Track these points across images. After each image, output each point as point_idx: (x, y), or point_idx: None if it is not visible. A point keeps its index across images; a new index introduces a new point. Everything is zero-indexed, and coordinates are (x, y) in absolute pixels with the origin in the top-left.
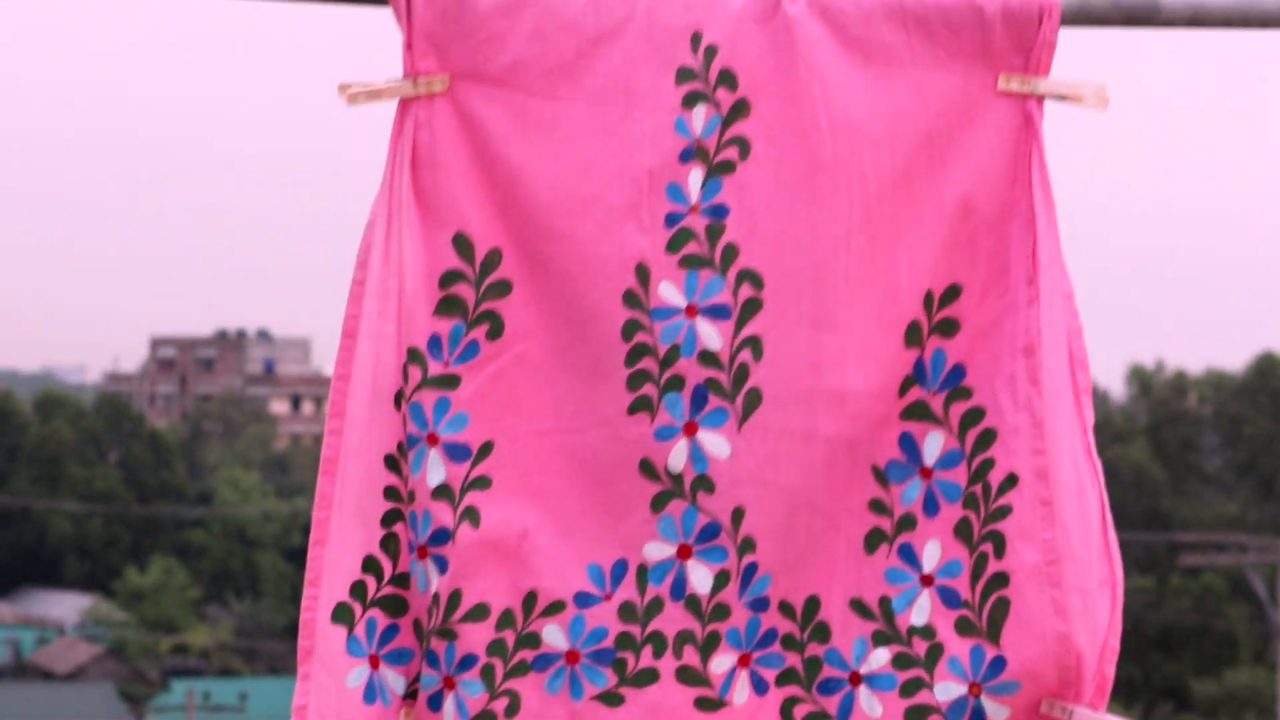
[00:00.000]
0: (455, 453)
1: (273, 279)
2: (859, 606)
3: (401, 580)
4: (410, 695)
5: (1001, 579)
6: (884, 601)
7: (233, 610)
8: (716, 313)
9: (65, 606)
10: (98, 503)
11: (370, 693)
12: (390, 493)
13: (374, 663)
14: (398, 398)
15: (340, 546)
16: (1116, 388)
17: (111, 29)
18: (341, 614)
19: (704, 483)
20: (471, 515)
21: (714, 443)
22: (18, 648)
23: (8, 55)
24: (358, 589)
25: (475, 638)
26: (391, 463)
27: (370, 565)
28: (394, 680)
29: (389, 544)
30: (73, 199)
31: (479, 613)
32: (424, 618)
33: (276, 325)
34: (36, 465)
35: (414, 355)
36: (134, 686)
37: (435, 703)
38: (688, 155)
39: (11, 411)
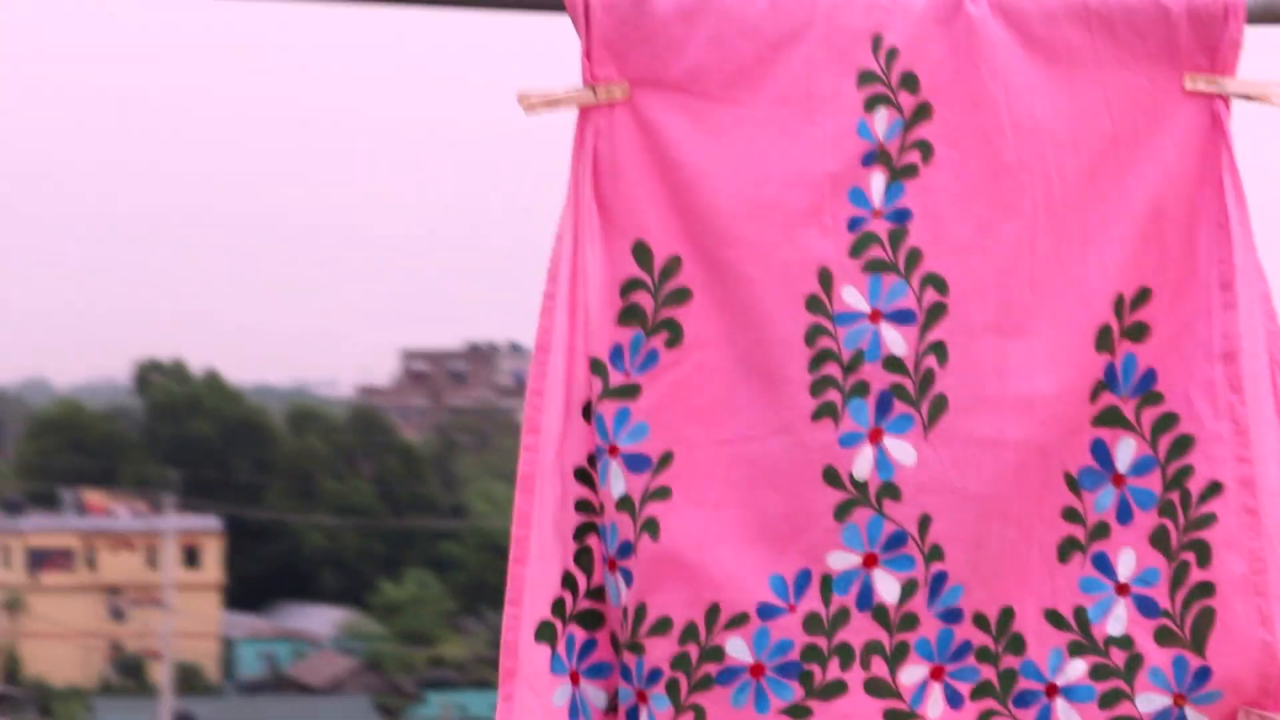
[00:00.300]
0: (635, 464)
1: (522, 291)
2: (1054, 617)
3: (597, 594)
4: (611, 709)
5: (1206, 588)
6: (1079, 611)
7: (487, 622)
8: (901, 318)
9: (321, 620)
10: (352, 516)
11: (574, 710)
12: (582, 505)
13: (575, 679)
14: (586, 410)
15: (540, 564)
16: None
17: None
18: (545, 632)
19: (890, 490)
20: (651, 527)
21: (900, 449)
22: (275, 661)
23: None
24: (558, 606)
25: (660, 652)
26: (583, 475)
27: (568, 580)
28: (595, 695)
29: (583, 558)
30: (326, 220)
31: (662, 626)
32: (618, 630)
33: (526, 337)
34: (291, 479)
35: (596, 366)
36: (390, 699)
37: (633, 716)
38: (870, 159)
39: (265, 426)
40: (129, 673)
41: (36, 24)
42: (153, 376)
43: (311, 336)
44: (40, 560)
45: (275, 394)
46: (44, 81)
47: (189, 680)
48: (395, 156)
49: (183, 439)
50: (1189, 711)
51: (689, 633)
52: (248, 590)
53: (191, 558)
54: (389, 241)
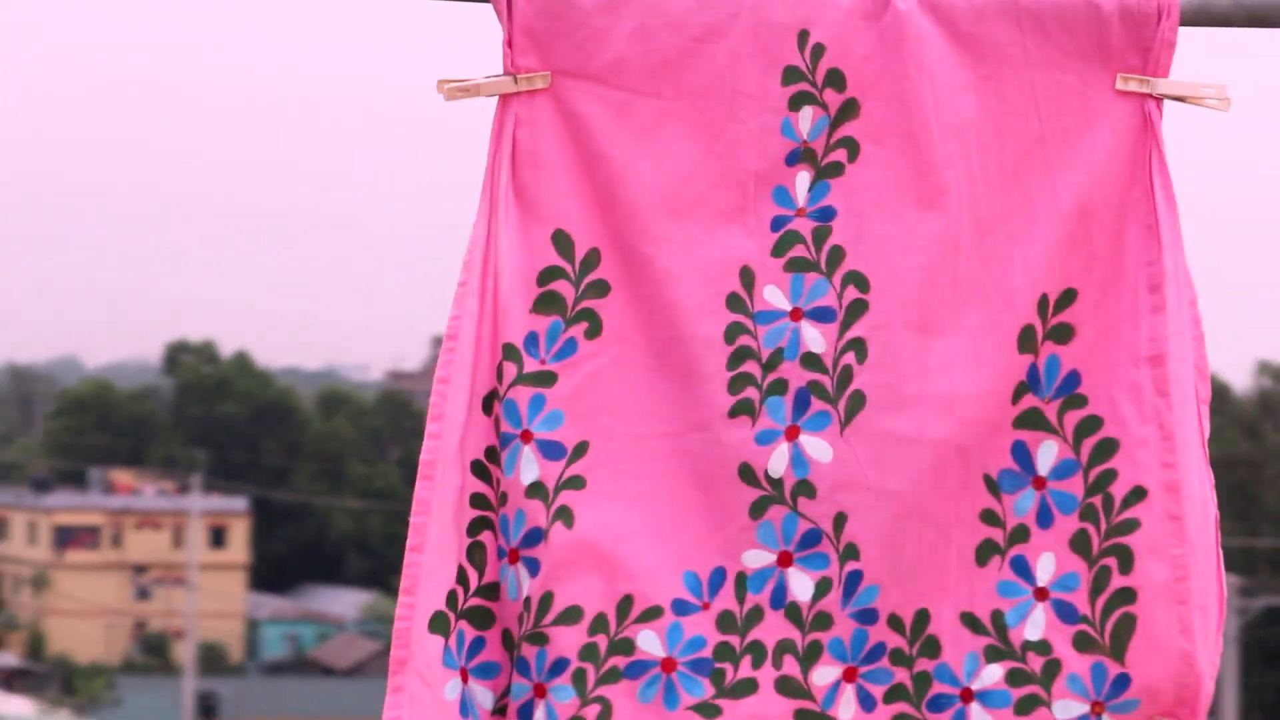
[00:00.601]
0: (550, 450)
1: None
2: (970, 621)
3: (488, 591)
4: (499, 710)
5: (1128, 594)
6: (996, 615)
7: None
8: (821, 315)
9: (345, 602)
10: (378, 500)
11: (464, 706)
12: (477, 500)
13: (464, 676)
14: (487, 402)
15: (437, 554)
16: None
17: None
18: (438, 624)
19: (805, 488)
20: (565, 515)
21: (816, 446)
22: (299, 643)
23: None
24: (451, 598)
25: (567, 641)
26: (479, 469)
27: (460, 575)
28: (482, 695)
29: (474, 553)
30: (359, 209)
31: (571, 615)
32: (514, 626)
33: None
34: (318, 462)
35: (510, 351)
36: None
37: (526, 714)
38: (795, 158)
39: (294, 408)
40: (153, 651)
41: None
42: (183, 357)
43: (343, 321)
44: (66, 538)
45: (305, 377)
46: (81, 62)
47: (212, 659)
48: (429, 147)
49: (211, 420)
50: (1106, 719)
51: (599, 623)
52: (273, 571)
53: (217, 538)
54: (422, 230)
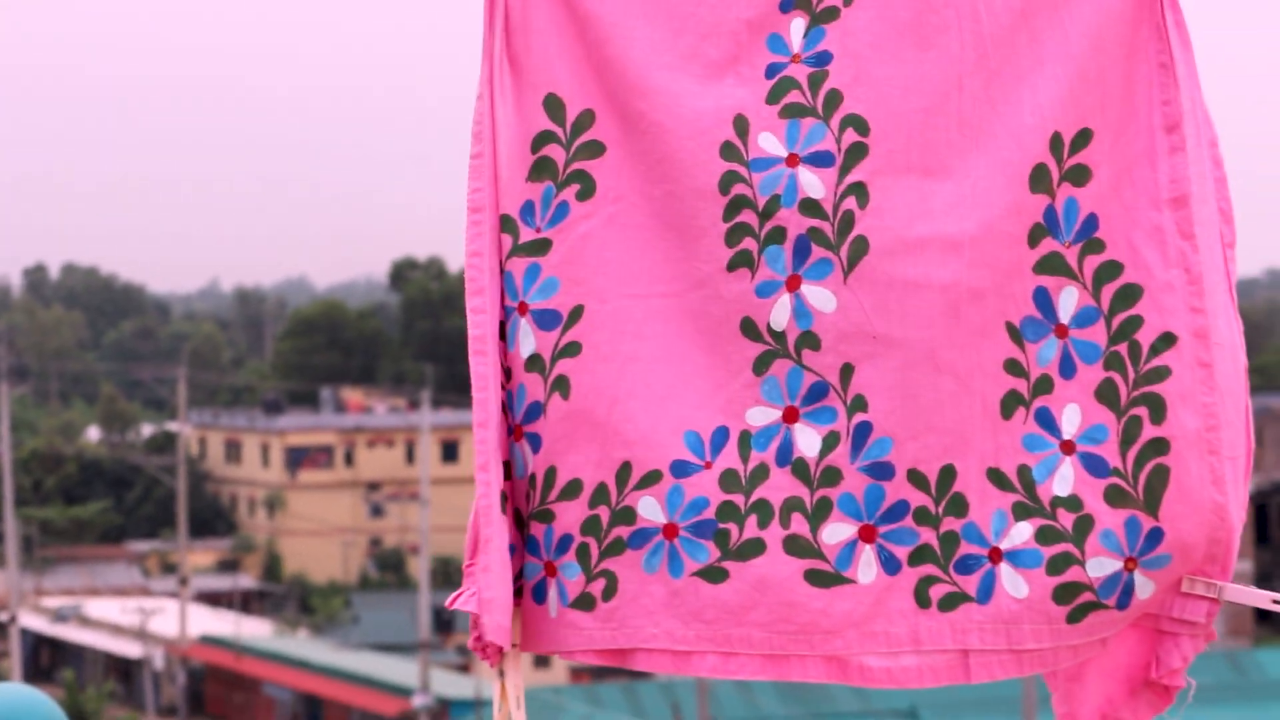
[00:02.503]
0: (545, 320)
1: None
2: (996, 476)
3: (503, 470)
4: (517, 592)
5: (1160, 445)
6: (1023, 470)
7: None
8: (819, 160)
9: None
10: None
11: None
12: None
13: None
14: None
15: (496, 430)
16: None
17: None
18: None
19: (809, 339)
20: (562, 386)
21: (819, 296)
22: None
23: None
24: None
25: (570, 516)
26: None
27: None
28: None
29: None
30: None
31: (572, 489)
32: (523, 504)
33: None
34: None
35: (507, 223)
36: None
37: (540, 593)
38: (789, 4)
39: None
40: (388, 567)
41: None
42: (410, 274)
43: None
44: (299, 458)
45: None
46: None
47: (448, 574)
48: None
49: (439, 334)
50: (1138, 576)
51: (599, 494)
52: None
53: (449, 452)
54: None
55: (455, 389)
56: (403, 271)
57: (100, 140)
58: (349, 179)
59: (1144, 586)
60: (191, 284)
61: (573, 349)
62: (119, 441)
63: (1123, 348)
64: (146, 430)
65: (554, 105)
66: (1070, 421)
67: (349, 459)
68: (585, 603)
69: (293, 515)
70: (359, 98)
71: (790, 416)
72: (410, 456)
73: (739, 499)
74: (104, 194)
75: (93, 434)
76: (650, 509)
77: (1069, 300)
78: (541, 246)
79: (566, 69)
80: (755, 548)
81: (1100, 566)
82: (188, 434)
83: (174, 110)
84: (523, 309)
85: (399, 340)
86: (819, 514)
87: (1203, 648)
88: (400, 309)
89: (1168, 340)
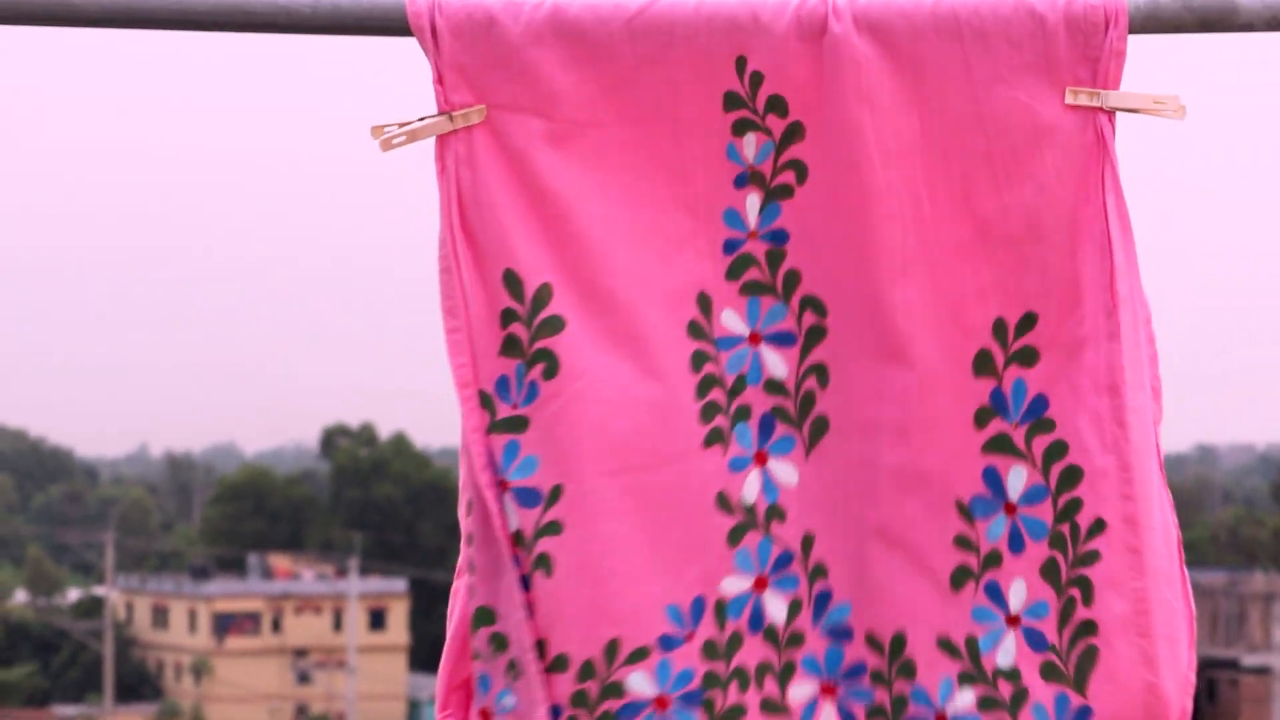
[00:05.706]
0: (526, 498)
1: None
2: (947, 645)
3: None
4: None
5: (1089, 627)
6: (970, 641)
7: None
8: (781, 340)
9: None
10: None
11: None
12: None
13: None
14: None
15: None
16: None
17: None
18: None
19: (776, 512)
20: (544, 563)
21: (783, 470)
22: None
23: None
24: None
25: (559, 690)
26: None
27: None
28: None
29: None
30: None
31: (560, 664)
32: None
33: None
34: None
35: (484, 399)
36: None
37: None
38: (743, 181)
39: (452, 489)
40: None
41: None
42: (340, 440)
43: None
44: (226, 624)
45: None
46: (219, 138)
47: None
48: None
49: (369, 502)
50: None
51: (586, 670)
52: (434, 652)
53: (377, 620)
54: None
55: (383, 556)
56: (333, 438)
57: (24, 314)
58: (277, 350)
59: None
60: (120, 448)
61: (554, 528)
62: (45, 605)
63: (1065, 528)
64: (73, 594)
65: (512, 281)
66: (1017, 596)
67: (276, 625)
68: None
69: (219, 681)
70: (286, 269)
71: (760, 585)
72: (338, 624)
73: (720, 667)
74: (32, 360)
75: (20, 597)
76: (640, 683)
77: (1018, 479)
78: (519, 424)
79: (521, 242)
80: (738, 713)
81: None
82: (115, 599)
83: (101, 281)
84: (504, 486)
85: (327, 507)
86: (785, 675)
87: None
88: (329, 476)
89: (1100, 526)
